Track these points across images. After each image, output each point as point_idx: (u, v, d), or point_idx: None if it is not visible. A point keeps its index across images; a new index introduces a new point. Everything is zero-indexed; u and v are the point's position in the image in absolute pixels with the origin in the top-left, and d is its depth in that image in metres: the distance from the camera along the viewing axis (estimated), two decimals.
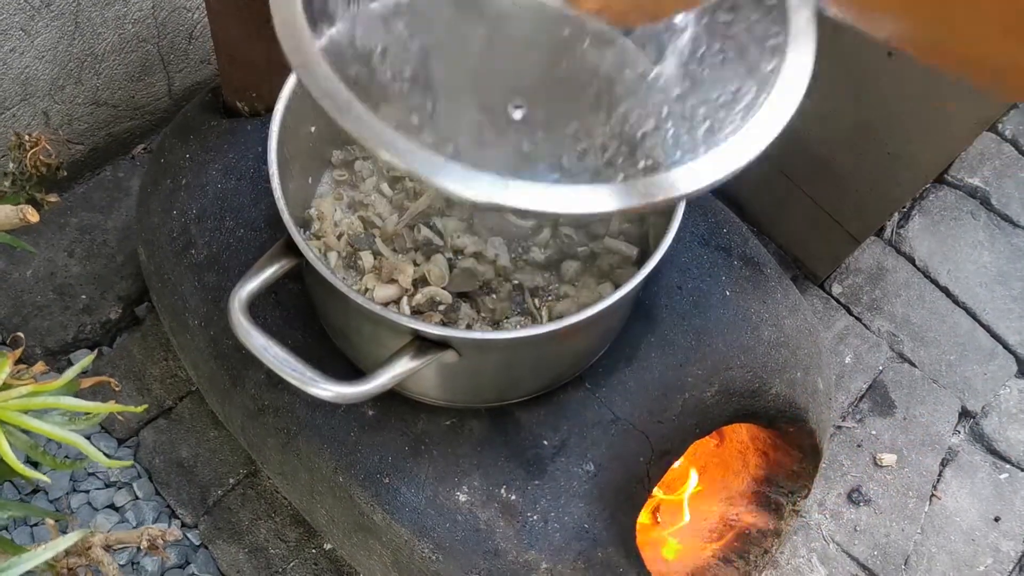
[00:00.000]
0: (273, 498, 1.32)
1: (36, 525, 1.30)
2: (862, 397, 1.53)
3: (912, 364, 1.57)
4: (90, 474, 1.33)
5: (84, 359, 0.78)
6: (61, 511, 1.30)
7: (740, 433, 1.20)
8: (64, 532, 1.32)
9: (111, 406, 0.77)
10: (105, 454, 1.36)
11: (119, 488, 1.32)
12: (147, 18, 1.36)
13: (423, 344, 0.81)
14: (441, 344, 0.81)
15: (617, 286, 1.01)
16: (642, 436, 1.00)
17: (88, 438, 1.36)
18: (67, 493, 1.31)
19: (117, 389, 0.82)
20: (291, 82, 0.89)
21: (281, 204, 0.84)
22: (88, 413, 0.78)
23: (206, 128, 1.15)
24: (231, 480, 1.33)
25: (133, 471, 1.33)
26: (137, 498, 1.31)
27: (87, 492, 1.31)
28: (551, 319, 1.00)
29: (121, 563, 1.28)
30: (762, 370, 1.06)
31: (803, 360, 1.10)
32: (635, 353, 1.03)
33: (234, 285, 0.83)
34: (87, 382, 0.80)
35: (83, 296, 1.41)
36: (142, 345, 1.40)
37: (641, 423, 1.00)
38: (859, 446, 1.48)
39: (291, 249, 0.84)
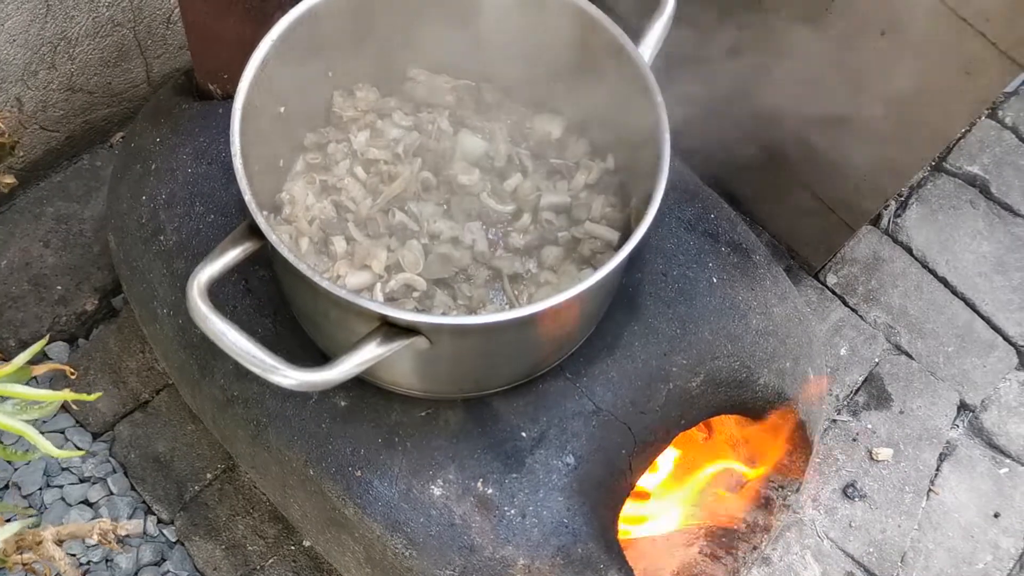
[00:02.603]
0: (251, 493, 1.29)
1: (10, 520, 1.26)
2: (857, 390, 1.49)
3: (909, 356, 1.53)
4: (63, 469, 1.29)
5: (35, 345, 0.74)
6: (34, 507, 1.27)
7: (728, 425, 1.17)
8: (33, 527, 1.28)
9: (64, 394, 0.74)
10: (78, 447, 1.33)
11: (93, 483, 1.29)
12: (122, 1, 1.32)
13: (391, 330, 0.77)
14: (410, 330, 0.78)
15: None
16: (624, 428, 0.96)
17: (63, 432, 1.34)
18: (40, 488, 1.28)
19: (73, 376, 0.78)
20: (256, 60, 0.86)
21: (243, 184, 0.80)
22: (41, 402, 0.74)
23: (178, 112, 1.11)
24: (208, 475, 1.30)
25: (108, 466, 1.30)
26: (112, 493, 1.28)
27: (60, 487, 1.28)
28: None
29: (95, 560, 1.25)
30: (750, 360, 1.02)
31: (793, 349, 1.06)
32: (618, 342, 0.99)
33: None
34: (39, 369, 0.77)
35: (58, 287, 1.38)
36: (118, 337, 1.37)
37: (624, 414, 0.96)
38: (854, 440, 1.44)
39: (254, 231, 0.80)
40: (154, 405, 1.34)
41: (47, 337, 0.77)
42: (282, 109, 0.94)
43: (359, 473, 0.92)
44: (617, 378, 0.97)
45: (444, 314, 0.94)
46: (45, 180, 1.45)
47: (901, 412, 1.47)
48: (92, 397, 0.72)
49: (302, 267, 0.77)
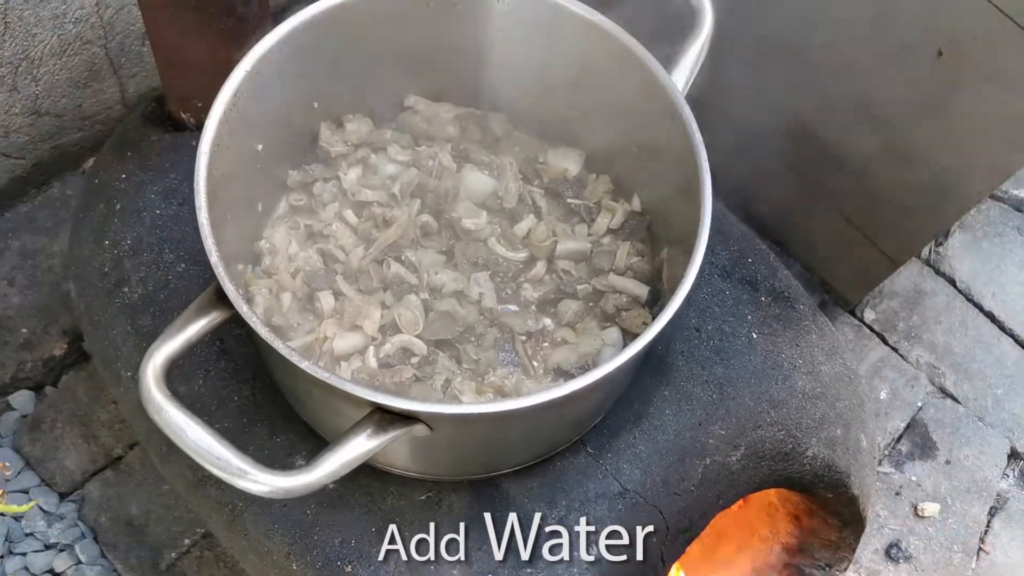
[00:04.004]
0: (233, 562, 1.17)
1: None
2: (900, 438, 1.36)
3: (955, 399, 1.41)
4: (27, 535, 1.17)
5: None
6: None
7: (768, 493, 1.04)
8: None
9: None
10: (44, 511, 1.20)
11: (60, 551, 1.16)
12: (90, 17, 1.20)
13: (385, 417, 0.65)
14: (408, 417, 0.65)
15: (624, 330, 0.85)
16: (654, 511, 0.84)
17: (27, 492, 1.22)
18: (1, 557, 1.15)
19: (7, 474, 0.66)
20: (227, 94, 0.74)
21: (209, 242, 0.68)
22: None
23: (146, 143, 0.99)
24: (186, 541, 1.18)
25: (76, 530, 1.18)
26: (80, 562, 1.16)
27: (24, 555, 1.16)
28: (547, 371, 0.85)
29: None
30: (796, 428, 0.90)
31: (844, 414, 0.93)
32: (646, 410, 0.87)
33: None
34: None
35: (24, 330, 1.26)
36: (88, 385, 1.24)
37: (654, 496, 0.84)
38: (897, 494, 1.32)
39: (223, 298, 0.68)
40: (127, 461, 1.22)
41: None
42: (260, 147, 0.82)
43: (349, 568, 0.80)
44: (646, 453, 0.85)
45: (448, 382, 0.82)
46: (10, 211, 1.33)
47: (947, 462, 1.35)
48: (24, 508, 0.59)
49: (278, 345, 0.65)
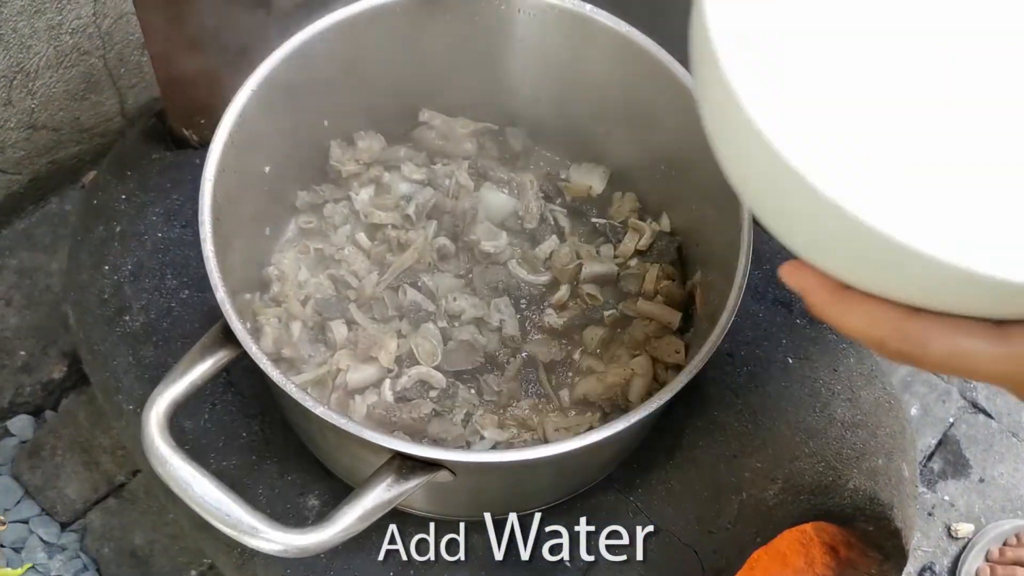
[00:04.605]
0: None
1: None
2: (931, 455, 1.31)
3: (987, 415, 1.36)
4: (29, 568, 1.12)
5: None
6: None
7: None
8: None
9: None
10: (45, 541, 1.16)
11: None
12: (87, 27, 1.15)
13: (406, 463, 0.61)
14: (431, 464, 0.61)
15: (655, 359, 0.80)
16: (689, 551, 0.79)
17: (27, 522, 1.17)
18: None
19: (3, 529, 0.62)
20: (232, 115, 0.69)
21: (214, 276, 0.64)
22: None
23: (147, 162, 0.94)
24: (193, 572, 1.13)
25: (78, 562, 1.13)
26: None
27: None
28: (573, 402, 0.80)
29: None
30: (836, 459, 0.85)
31: (885, 442, 0.88)
32: (678, 442, 0.82)
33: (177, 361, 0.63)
34: None
35: (22, 352, 1.21)
36: (89, 409, 1.20)
37: (688, 534, 0.79)
38: (930, 515, 1.27)
39: (230, 337, 0.63)
40: (130, 489, 1.17)
41: None
42: (267, 168, 0.77)
43: None
44: (679, 489, 0.80)
45: (469, 415, 0.77)
46: (7, 228, 1.28)
47: (981, 480, 1.30)
48: (16, 573, 0.55)
49: (291, 389, 0.60)
